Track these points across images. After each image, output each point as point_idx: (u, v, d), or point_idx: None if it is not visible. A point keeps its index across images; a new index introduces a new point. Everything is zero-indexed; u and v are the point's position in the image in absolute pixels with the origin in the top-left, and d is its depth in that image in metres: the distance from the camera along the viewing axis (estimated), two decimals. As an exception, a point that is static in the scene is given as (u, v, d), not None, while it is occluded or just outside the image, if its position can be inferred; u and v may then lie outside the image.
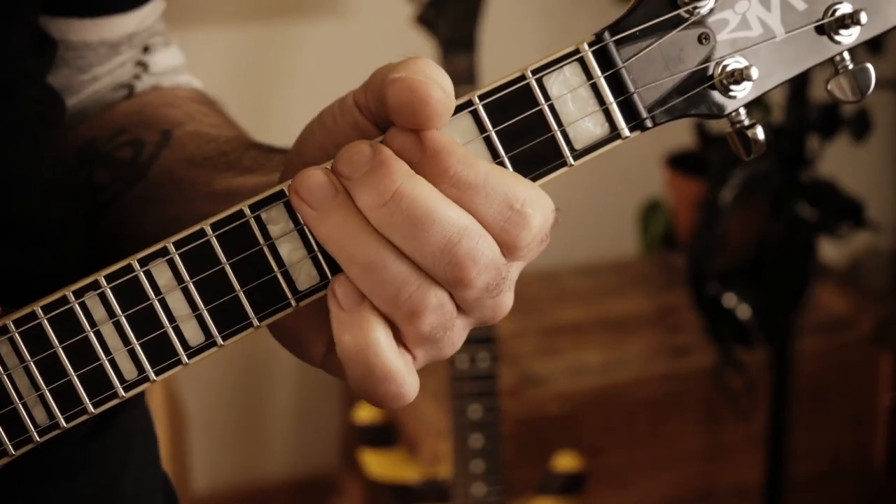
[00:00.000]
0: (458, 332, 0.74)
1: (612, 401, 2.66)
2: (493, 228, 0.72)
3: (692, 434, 2.72)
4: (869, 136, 2.30)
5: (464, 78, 2.16)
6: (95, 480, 0.89)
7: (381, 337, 0.72)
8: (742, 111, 0.74)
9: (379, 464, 2.48)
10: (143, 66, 1.00)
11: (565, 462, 2.45)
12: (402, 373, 0.73)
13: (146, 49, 1.00)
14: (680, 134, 2.84)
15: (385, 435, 2.49)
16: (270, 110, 2.87)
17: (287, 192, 0.74)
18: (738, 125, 0.74)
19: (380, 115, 0.74)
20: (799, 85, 2.24)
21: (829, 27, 0.74)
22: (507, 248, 0.72)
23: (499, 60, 2.61)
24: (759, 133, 0.74)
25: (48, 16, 0.93)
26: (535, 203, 0.72)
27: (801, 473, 2.61)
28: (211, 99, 1.01)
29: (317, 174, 0.72)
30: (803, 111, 2.26)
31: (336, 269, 0.74)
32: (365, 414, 2.47)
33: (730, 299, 2.37)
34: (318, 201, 0.72)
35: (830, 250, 2.95)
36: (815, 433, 2.73)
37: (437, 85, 0.71)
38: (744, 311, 2.36)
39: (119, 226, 0.91)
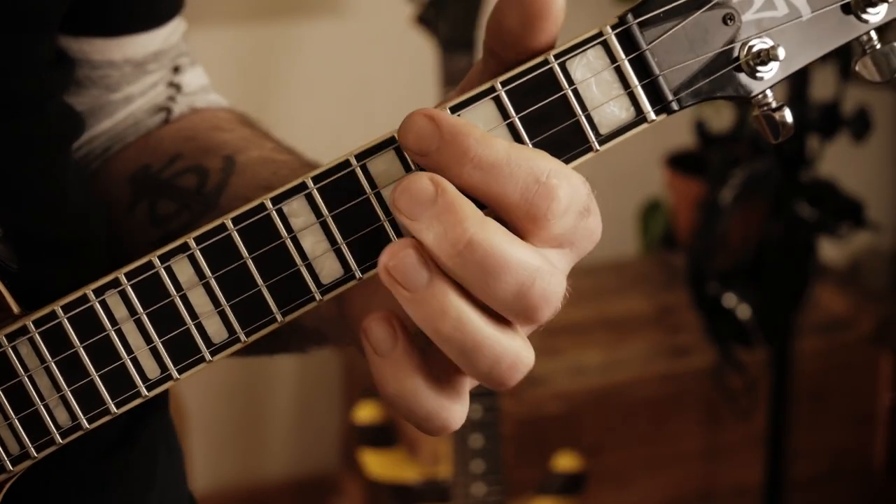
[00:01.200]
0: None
1: (612, 401, 2.65)
2: (521, 207, 0.69)
3: (692, 434, 2.71)
4: (869, 136, 2.29)
5: (464, 78, 2.15)
6: (121, 497, 0.88)
7: (418, 384, 0.72)
8: (769, 93, 0.72)
9: (379, 464, 2.47)
10: (175, 87, 0.99)
11: (565, 462, 2.45)
12: (440, 410, 0.72)
13: (176, 69, 0.99)
14: (680, 134, 2.84)
15: (385, 435, 2.49)
16: (270, 110, 2.86)
17: (308, 186, 0.72)
18: (765, 108, 0.73)
19: (501, 54, 0.73)
20: (799, 84, 2.24)
21: (855, 6, 0.72)
22: (538, 225, 0.70)
23: (499, 60, 2.61)
24: (788, 116, 0.72)
25: (70, 36, 0.92)
26: (560, 173, 0.70)
27: (801, 473, 2.61)
28: (249, 118, 0.99)
29: (409, 254, 0.69)
30: (803, 111, 2.25)
31: (360, 262, 0.73)
32: (365, 414, 2.47)
33: (730, 299, 2.36)
34: (412, 285, 0.69)
35: (830, 250, 2.94)
36: (815, 433, 2.73)
37: None
38: (744, 311, 2.36)
39: None
